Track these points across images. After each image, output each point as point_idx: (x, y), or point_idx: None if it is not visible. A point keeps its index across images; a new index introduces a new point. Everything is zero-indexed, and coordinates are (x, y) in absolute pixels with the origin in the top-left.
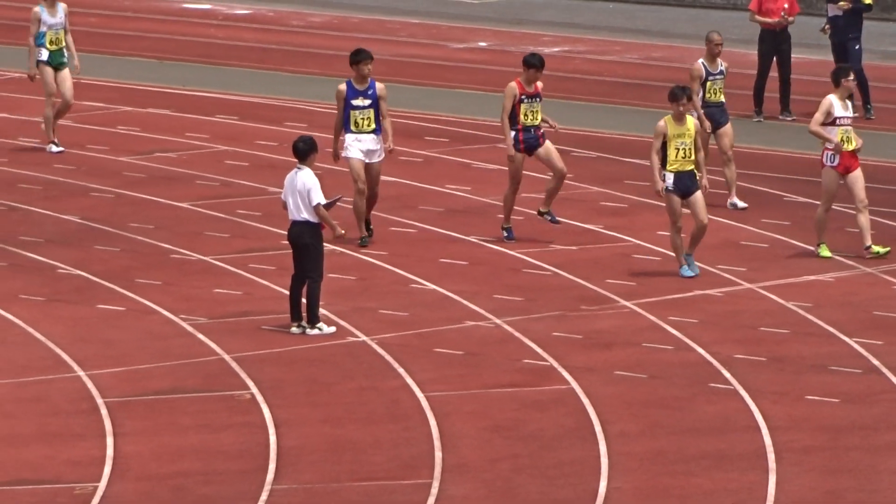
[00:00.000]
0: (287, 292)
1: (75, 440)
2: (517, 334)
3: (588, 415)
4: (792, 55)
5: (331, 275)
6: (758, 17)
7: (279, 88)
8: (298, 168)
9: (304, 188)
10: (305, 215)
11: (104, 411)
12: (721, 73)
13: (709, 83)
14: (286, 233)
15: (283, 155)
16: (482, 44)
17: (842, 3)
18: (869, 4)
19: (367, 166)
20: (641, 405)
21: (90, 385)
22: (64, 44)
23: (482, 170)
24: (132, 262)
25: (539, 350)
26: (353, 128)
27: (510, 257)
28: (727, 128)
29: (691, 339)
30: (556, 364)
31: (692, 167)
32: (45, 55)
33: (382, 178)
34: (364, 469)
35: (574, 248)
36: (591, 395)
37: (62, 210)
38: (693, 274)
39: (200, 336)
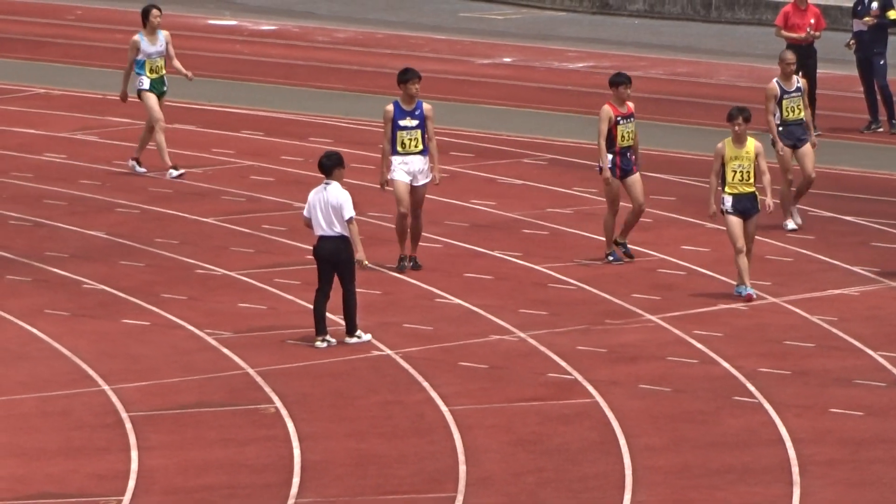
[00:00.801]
0: (311, 307)
1: (100, 454)
2: (542, 348)
3: (612, 428)
4: (817, 70)
5: (356, 289)
6: (784, 33)
7: (305, 104)
8: (326, 184)
9: (337, 203)
10: (339, 230)
11: (129, 425)
12: (798, 90)
13: (785, 101)
14: (312, 248)
15: (309, 171)
16: (506, 59)
17: (867, 18)
18: (894, 20)
19: (413, 189)
20: (666, 419)
21: (115, 399)
22: (164, 72)
23: (507, 185)
24: (157, 277)
25: (564, 364)
26: (399, 149)
27: (535, 272)
28: (807, 148)
29: (716, 352)
30: (580, 378)
31: (752, 190)
32: (146, 83)
33: None
34: (389, 483)
35: (599, 262)
36: (615, 408)
37: (88, 226)
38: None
39: (225, 350)
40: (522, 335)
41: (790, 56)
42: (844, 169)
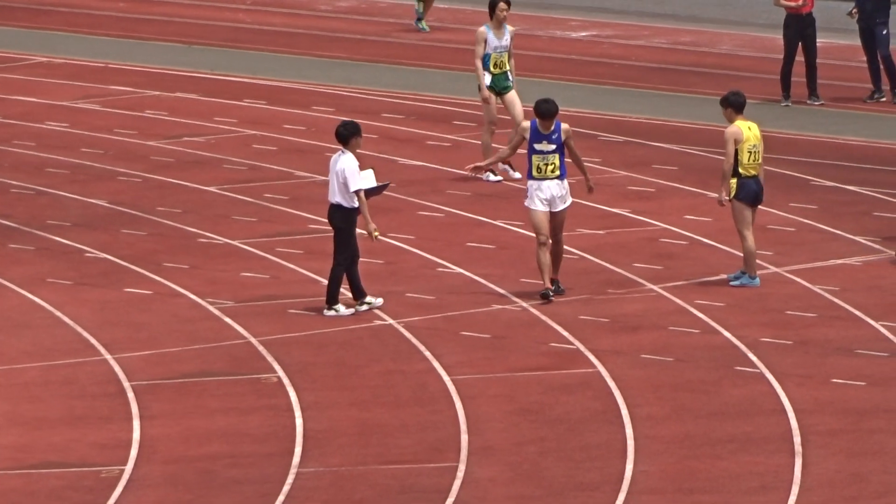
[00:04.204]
0: (312, 276)
1: (102, 423)
2: (544, 318)
3: (614, 398)
4: (819, 40)
5: (359, 259)
6: (782, 2)
7: (307, 73)
8: (342, 152)
9: (342, 173)
10: (338, 199)
11: (131, 394)
12: None
13: None
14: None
15: (311, 139)
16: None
17: None
18: None
19: (552, 215)
20: (668, 388)
21: (117, 368)
22: (508, 67)
23: None
24: (159, 246)
25: (566, 333)
26: (535, 174)
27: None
28: None
29: (718, 322)
30: (582, 347)
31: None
32: (487, 79)
33: (412, 162)
34: (391, 452)
35: (601, 232)
36: (617, 378)
37: (90, 194)
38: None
39: (227, 319)
40: (525, 304)
41: None
42: (847, 138)
